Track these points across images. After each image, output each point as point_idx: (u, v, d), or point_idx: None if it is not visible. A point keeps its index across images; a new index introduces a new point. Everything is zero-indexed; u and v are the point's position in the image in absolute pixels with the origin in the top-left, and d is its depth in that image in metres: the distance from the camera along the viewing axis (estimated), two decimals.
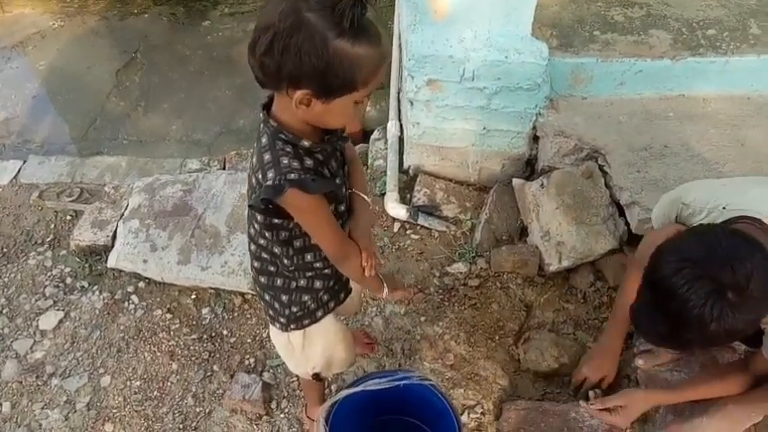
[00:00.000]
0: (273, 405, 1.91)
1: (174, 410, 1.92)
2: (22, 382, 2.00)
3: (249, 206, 1.24)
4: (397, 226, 2.36)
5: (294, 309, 1.41)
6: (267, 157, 1.14)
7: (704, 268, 1.12)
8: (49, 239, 2.42)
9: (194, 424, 1.88)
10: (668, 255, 1.17)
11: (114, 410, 1.93)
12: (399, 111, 2.65)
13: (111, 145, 3.03)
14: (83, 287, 2.26)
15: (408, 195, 2.44)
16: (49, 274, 2.31)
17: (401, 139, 2.57)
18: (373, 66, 1.08)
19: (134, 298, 2.21)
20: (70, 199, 2.52)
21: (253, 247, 1.37)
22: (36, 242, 2.42)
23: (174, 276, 2.20)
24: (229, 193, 2.38)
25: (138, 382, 1.99)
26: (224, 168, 2.63)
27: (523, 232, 2.26)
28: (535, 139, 2.27)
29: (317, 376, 1.62)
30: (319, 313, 1.45)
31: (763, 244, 1.18)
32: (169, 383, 1.98)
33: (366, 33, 1.04)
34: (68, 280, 2.29)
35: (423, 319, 2.08)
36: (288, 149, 1.14)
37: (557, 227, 2.08)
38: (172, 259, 2.22)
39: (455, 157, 2.39)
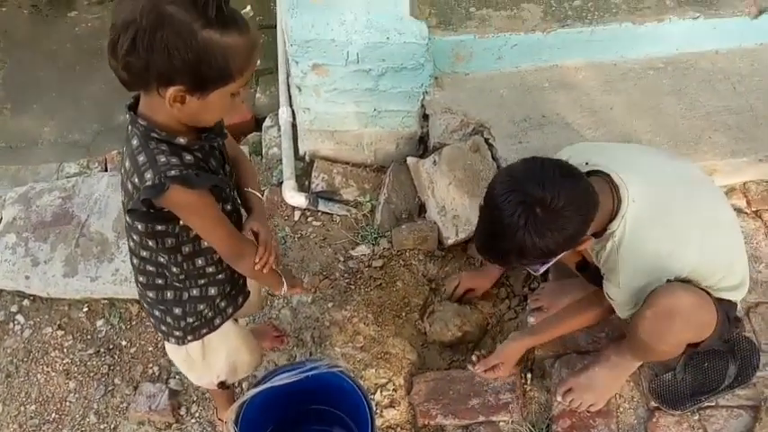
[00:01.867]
0: (183, 411, 1.86)
1: (76, 431, 1.82)
2: None
3: (128, 211, 1.17)
4: (297, 214, 2.34)
5: (190, 320, 1.36)
6: (142, 158, 1.09)
7: (520, 183, 1.25)
8: None
9: None
10: (501, 172, 1.34)
11: None
12: (290, 96, 2.61)
13: None
14: None
15: (306, 182, 2.42)
16: None
17: (294, 126, 2.53)
18: (246, 53, 1.06)
19: (19, 318, 2.06)
20: None
21: (135, 260, 1.30)
22: None
23: (62, 290, 2.07)
24: (114, 197, 2.25)
25: (33, 407, 1.87)
26: (106, 170, 2.48)
27: (422, 209, 2.31)
28: (425, 117, 2.31)
29: (222, 384, 1.58)
30: (217, 321, 1.41)
31: (592, 185, 1.30)
32: (68, 403, 1.88)
33: (233, 22, 1.02)
34: None
35: (330, 305, 2.09)
36: (163, 147, 1.10)
37: (451, 201, 2.14)
38: (57, 272, 2.08)
39: (350, 140, 2.39)
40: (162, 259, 1.26)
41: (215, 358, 1.47)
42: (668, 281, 1.38)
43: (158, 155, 1.08)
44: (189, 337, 1.39)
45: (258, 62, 1.13)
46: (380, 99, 2.20)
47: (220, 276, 1.34)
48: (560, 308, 1.82)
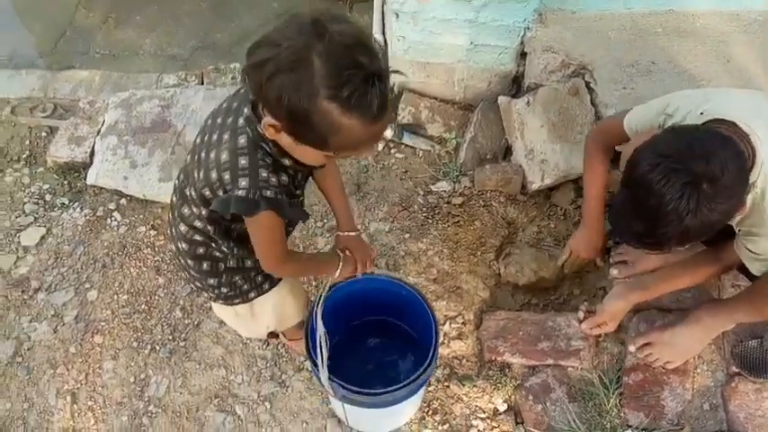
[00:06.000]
0: None
1: (163, 322, 1.96)
2: (7, 297, 2.01)
3: (203, 199, 1.17)
4: (381, 144, 2.34)
5: (224, 290, 1.38)
6: (243, 161, 1.06)
7: (679, 162, 1.14)
8: (24, 156, 2.36)
9: (183, 335, 1.93)
10: (645, 152, 1.20)
11: (103, 323, 1.96)
12: (384, 24, 2.57)
13: (83, 59, 2.90)
14: (63, 204, 2.24)
15: (393, 114, 2.41)
16: (27, 191, 2.27)
17: (385, 55, 2.50)
18: (355, 140, 0.98)
19: (116, 215, 2.20)
20: (44, 114, 2.44)
21: (183, 228, 1.29)
22: (12, 159, 2.36)
23: (156, 193, 2.18)
24: (208, 110, 2.26)
25: (125, 296, 2.01)
26: (202, 84, 2.55)
27: (508, 151, 2.26)
28: (522, 55, 2.22)
29: (271, 335, 1.62)
30: (252, 294, 1.42)
31: (739, 145, 1.20)
32: (156, 297, 2.01)
33: (363, 109, 0.93)
34: (48, 197, 2.26)
35: (407, 236, 2.11)
36: (268, 161, 1.08)
37: (541, 145, 2.08)
38: (153, 176, 2.19)
39: (441, 73, 2.34)
40: (214, 236, 1.27)
41: (263, 313, 1.49)
42: None
43: (261, 168, 1.07)
44: (222, 301, 1.42)
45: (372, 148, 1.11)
46: (479, 32, 2.13)
47: None
48: (647, 263, 1.77)
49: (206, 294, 1.45)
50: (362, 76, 0.91)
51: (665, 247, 1.26)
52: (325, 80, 0.91)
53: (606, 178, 1.70)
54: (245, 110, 1.09)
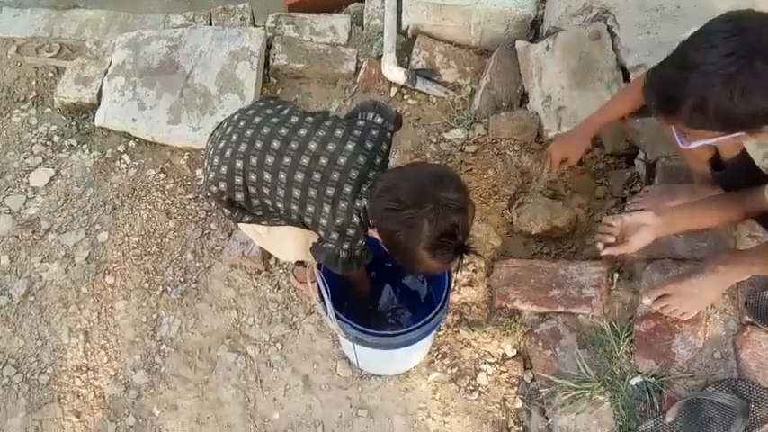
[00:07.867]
0: (272, 261, 1.95)
1: (174, 265, 1.96)
2: (18, 237, 2.01)
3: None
4: (393, 90, 2.29)
5: (247, 218, 1.51)
6: (351, 232, 1.36)
7: (749, 30, 1.05)
8: (31, 96, 2.33)
9: (195, 277, 1.93)
10: (726, 15, 1.11)
11: (114, 264, 1.96)
12: None
13: None
14: (71, 146, 2.21)
15: (406, 58, 2.34)
16: (35, 132, 2.24)
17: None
18: (431, 269, 1.32)
19: (125, 157, 2.18)
20: (50, 54, 2.38)
21: (223, 186, 1.43)
22: (18, 99, 2.33)
23: (165, 136, 2.15)
24: (218, 51, 2.26)
25: (135, 238, 2.01)
26: (210, 24, 2.48)
27: (524, 99, 2.21)
28: None
29: (300, 263, 1.70)
30: (264, 222, 1.53)
31: None
32: (167, 240, 2.01)
33: (447, 257, 1.26)
34: (56, 138, 2.23)
35: None
36: (364, 232, 1.39)
37: (558, 91, 2.03)
38: (162, 119, 2.15)
39: (457, 16, 2.27)
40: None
41: (282, 239, 1.58)
42: None
43: (361, 239, 1.40)
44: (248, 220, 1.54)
45: None
46: None
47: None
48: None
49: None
50: (454, 245, 1.24)
51: (679, 109, 1.14)
52: (427, 239, 1.22)
53: (620, 117, 1.69)
54: (365, 200, 1.32)
